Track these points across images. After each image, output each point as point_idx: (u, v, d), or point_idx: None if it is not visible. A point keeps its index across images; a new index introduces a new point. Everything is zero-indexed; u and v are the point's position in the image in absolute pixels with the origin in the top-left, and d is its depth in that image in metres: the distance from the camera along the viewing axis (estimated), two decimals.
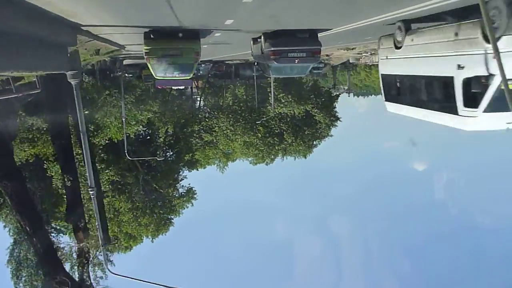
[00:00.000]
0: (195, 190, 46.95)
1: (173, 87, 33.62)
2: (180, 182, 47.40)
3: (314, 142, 48.23)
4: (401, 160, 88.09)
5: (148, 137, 55.61)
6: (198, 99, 66.22)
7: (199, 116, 58.01)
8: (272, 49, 13.97)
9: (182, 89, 72.98)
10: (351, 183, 70.41)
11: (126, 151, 33.46)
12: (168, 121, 59.31)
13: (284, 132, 46.51)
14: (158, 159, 34.84)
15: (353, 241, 65.16)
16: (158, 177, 45.26)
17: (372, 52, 35.73)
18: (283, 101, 44.58)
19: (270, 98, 46.57)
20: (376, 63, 43.15)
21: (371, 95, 72.19)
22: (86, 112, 30.14)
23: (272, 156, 49.38)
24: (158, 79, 15.47)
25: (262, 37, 14.57)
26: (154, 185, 44.91)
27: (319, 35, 14.58)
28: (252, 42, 17.28)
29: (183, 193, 47.12)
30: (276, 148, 48.06)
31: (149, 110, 38.29)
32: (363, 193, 67.83)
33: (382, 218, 64.79)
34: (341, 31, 14.96)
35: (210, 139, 52.57)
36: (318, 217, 65.56)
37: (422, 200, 70.98)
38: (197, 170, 49.85)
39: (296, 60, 14.36)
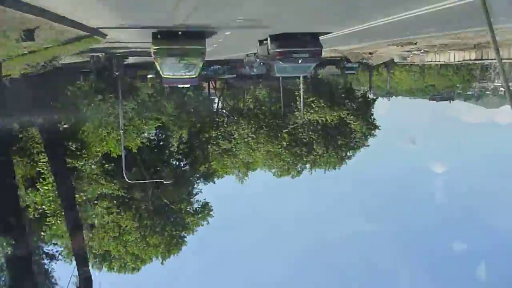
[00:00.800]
0: (211, 206, 41.41)
1: (178, 85, 31.67)
2: (195, 197, 41.90)
3: (348, 153, 42.10)
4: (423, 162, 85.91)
5: (162, 142, 50.40)
6: (216, 101, 60.63)
7: (217, 120, 52.41)
8: (278, 50, 15.12)
9: (200, 91, 68.16)
10: (386, 198, 64.87)
11: (124, 172, 27.83)
12: (183, 126, 54.09)
13: (314, 142, 40.52)
14: (165, 182, 29.06)
15: (387, 257, 59.40)
16: (169, 191, 39.79)
17: (426, 49, 29.60)
18: (313, 106, 38.61)
19: (298, 102, 40.67)
20: (427, 62, 36.94)
21: (392, 97, 67.70)
22: (66, 126, 24.21)
23: (299, 168, 43.46)
24: (165, 77, 16.02)
25: (269, 39, 15.60)
26: (165, 200, 39.47)
27: (321, 38, 15.52)
28: (258, 43, 18.44)
29: (197, 209, 41.62)
30: (304, 159, 42.11)
31: (156, 118, 31.77)
32: (398, 209, 62.24)
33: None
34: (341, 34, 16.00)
35: (229, 147, 46.96)
36: (349, 236, 59.49)
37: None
38: (214, 183, 44.25)
39: (300, 60, 15.47)
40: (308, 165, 42.87)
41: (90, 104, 25.61)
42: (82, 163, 28.73)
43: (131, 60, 32.46)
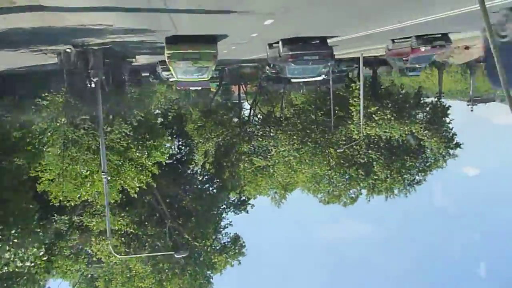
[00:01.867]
0: (243, 242, 33.27)
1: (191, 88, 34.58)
2: (223, 230, 33.82)
3: (417, 177, 33.17)
4: None
5: (184, 158, 42.70)
6: (247, 106, 52.41)
7: (249, 131, 44.36)
8: (290, 53, 16.08)
9: (229, 95, 61.11)
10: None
11: (108, 244, 19.75)
12: (209, 138, 46.41)
13: (374, 163, 31.84)
14: (176, 256, 20.75)
15: None
16: (192, 224, 31.94)
17: None
18: (376, 118, 29.92)
19: (353, 112, 32.04)
20: None
21: (476, 105, 60.55)
22: None
23: (353, 195, 34.83)
24: (179, 80, 16.97)
25: (280, 43, 16.30)
26: (187, 236, 31.58)
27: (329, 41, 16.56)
28: (268, 47, 18.98)
29: (226, 244, 33.54)
30: (360, 184, 33.51)
31: (164, 147, 21.54)
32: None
33: None
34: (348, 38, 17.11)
35: (264, 165, 38.84)
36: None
37: None
38: (247, 212, 36.02)
39: (310, 62, 16.62)
40: (365, 191, 34.20)
41: (47, 134, 16.73)
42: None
43: (141, 60, 24.76)
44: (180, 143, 46.06)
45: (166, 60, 14.60)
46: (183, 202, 33.50)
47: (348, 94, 34.34)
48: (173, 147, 44.48)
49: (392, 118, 29.31)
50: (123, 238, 29.31)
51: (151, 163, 20.78)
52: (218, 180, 37.74)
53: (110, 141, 17.28)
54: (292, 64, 16.72)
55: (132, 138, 18.88)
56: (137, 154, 19.53)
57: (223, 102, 64.04)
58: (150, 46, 16.18)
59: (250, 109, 47.53)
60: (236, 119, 50.69)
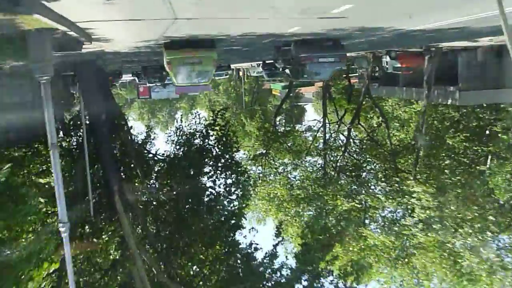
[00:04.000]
0: None
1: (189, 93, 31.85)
2: None
3: None
4: None
5: (233, 217, 24.09)
6: (333, 124, 32.67)
7: (346, 170, 25.55)
8: (305, 55, 15.58)
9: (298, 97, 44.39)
10: None
11: None
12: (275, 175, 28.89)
13: None
14: None
15: None
16: None
17: None
18: None
19: None
20: None
21: None
22: None
23: None
24: (178, 85, 16.67)
25: (293, 44, 16.09)
26: None
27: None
28: (275, 49, 18.78)
29: None
30: None
31: None
32: None
33: None
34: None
35: (385, 244, 20.13)
36: None
37: None
38: None
39: (325, 65, 16.00)
40: None
41: None
42: None
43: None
44: (228, 180, 26.53)
45: (165, 66, 14.58)
46: None
47: None
48: (217, 187, 25.86)
49: None
50: None
51: None
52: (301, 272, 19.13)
53: None
54: (307, 67, 15.78)
55: None
56: None
57: (291, 107, 46.57)
58: None
59: (348, 130, 28.32)
60: (312, 139, 32.16)
